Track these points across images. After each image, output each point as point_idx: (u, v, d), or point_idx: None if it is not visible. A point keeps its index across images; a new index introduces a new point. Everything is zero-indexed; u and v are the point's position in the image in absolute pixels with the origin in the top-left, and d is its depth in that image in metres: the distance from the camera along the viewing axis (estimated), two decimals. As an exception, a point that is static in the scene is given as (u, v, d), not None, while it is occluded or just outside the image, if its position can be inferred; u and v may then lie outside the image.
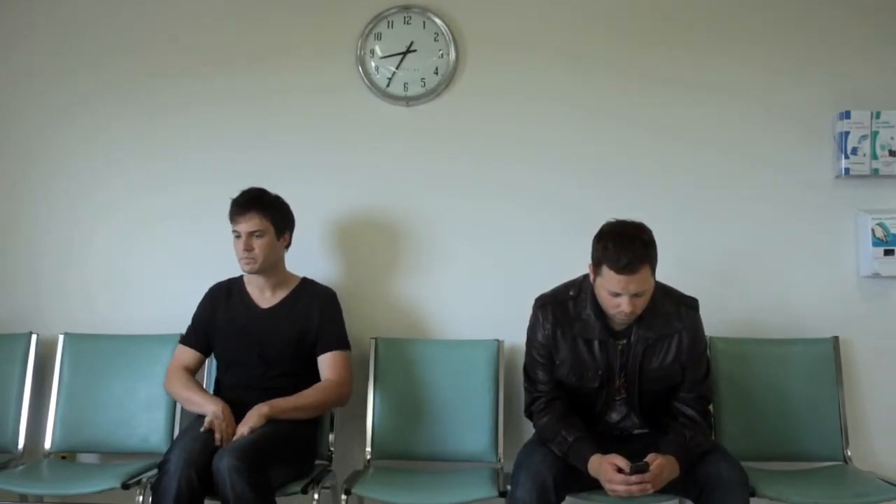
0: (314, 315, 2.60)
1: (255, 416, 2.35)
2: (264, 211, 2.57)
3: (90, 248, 2.99)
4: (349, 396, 2.60)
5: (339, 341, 2.61)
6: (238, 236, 2.56)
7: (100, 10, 3.00)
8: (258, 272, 2.59)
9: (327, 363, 2.57)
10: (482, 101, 2.91)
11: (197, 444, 2.28)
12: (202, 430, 2.31)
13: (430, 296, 2.92)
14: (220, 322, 2.62)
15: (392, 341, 2.82)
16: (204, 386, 2.66)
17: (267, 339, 2.57)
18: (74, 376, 2.80)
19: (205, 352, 2.64)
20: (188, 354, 2.62)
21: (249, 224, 2.54)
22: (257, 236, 2.55)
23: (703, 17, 2.88)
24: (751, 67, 2.86)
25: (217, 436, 2.31)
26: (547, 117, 2.89)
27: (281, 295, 2.64)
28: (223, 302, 2.65)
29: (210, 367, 2.73)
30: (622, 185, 2.87)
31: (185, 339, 2.65)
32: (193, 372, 2.61)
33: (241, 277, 2.69)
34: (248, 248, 2.54)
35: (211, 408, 2.39)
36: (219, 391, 2.59)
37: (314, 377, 2.56)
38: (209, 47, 2.97)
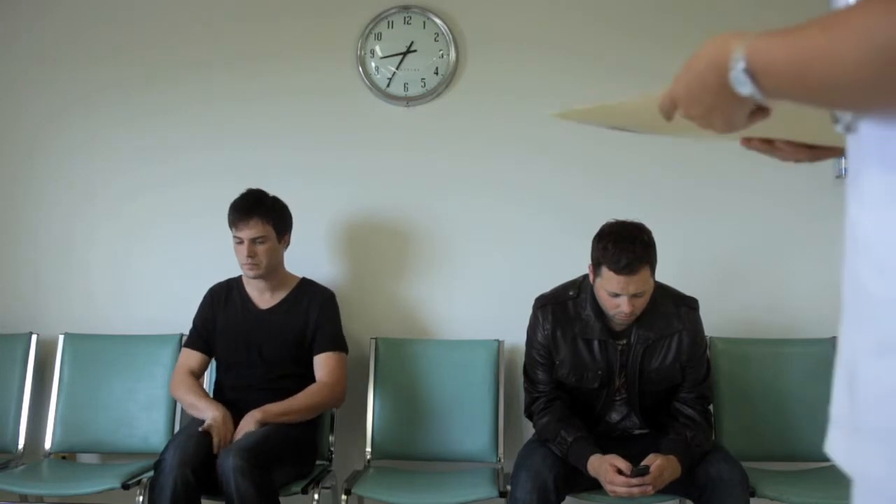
0: (312, 316, 2.59)
1: (249, 423, 2.35)
2: (266, 216, 2.55)
3: (90, 249, 2.99)
4: (342, 398, 2.59)
5: (335, 342, 2.59)
6: (240, 242, 2.54)
7: (100, 11, 3.00)
8: (261, 277, 2.58)
9: (321, 364, 2.56)
10: (482, 101, 2.91)
11: (191, 442, 2.28)
12: (200, 429, 2.31)
13: (430, 296, 2.92)
14: (221, 323, 2.62)
15: (392, 341, 2.82)
16: (205, 386, 2.65)
17: (266, 339, 2.57)
18: (74, 376, 2.80)
19: (209, 353, 2.63)
20: (193, 357, 2.61)
21: (252, 230, 2.52)
22: (260, 242, 2.53)
23: (704, 16, 2.88)
24: (751, 67, 2.86)
25: (215, 440, 2.30)
26: (547, 117, 2.88)
27: (280, 296, 2.64)
28: (223, 303, 2.65)
29: (210, 368, 2.72)
30: (622, 184, 2.87)
31: (189, 343, 2.64)
32: (199, 375, 2.61)
33: (240, 278, 2.68)
34: (252, 255, 2.52)
35: (211, 412, 2.39)
36: (219, 392, 2.59)
37: (313, 380, 2.55)
38: (209, 48, 2.97)
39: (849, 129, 0.75)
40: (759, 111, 0.81)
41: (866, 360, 0.72)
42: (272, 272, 2.60)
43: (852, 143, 0.76)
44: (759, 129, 0.88)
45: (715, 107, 0.80)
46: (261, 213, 2.54)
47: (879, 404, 0.71)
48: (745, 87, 0.74)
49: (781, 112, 0.81)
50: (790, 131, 0.91)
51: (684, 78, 0.81)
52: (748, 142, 0.95)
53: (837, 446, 0.77)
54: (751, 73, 0.73)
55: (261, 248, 2.53)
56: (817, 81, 0.68)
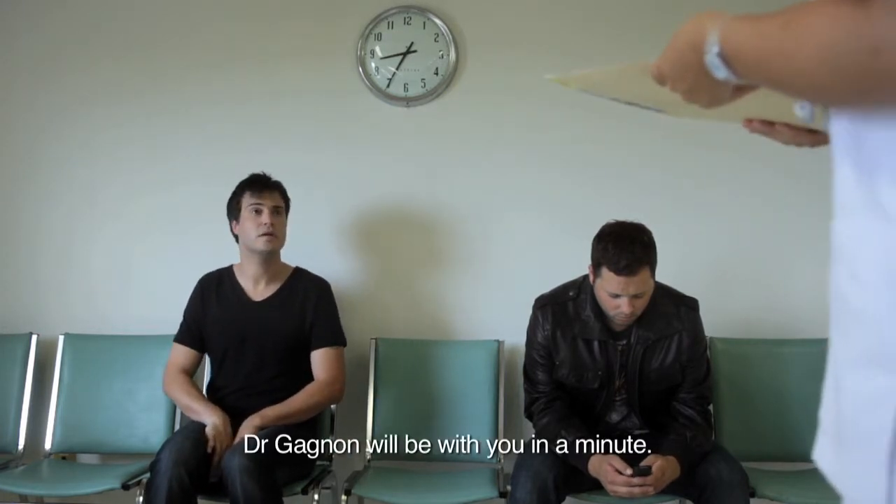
0: (308, 311, 2.57)
1: (247, 430, 2.32)
2: (283, 192, 2.60)
3: (91, 249, 2.99)
4: (341, 394, 2.58)
5: (332, 336, 2.58)
6: (259, 212, 2.52)
7: (100, 11, 3.00)
8: (272, 252, 2.55)
9: (318, 360, 2.54)
10: (482, 101, 2.91)
11: (187, 443, 2.27)
12: (209, 450, 2.28)
13: (430, 296, 2.92)
14: (212, 316, 2.58)
15: (392, 341, 2.82)
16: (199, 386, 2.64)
17: (261, 333, 2.53)
18: (75, 377, 2.80)
19: (200, 348, 2.61)
20: (184, 354, 2.58)
21: (273, 200, 2.54)
22: (278, 213, 2.55)
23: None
24: (751, 68, 2.86)
25: (218, 448, 2.29)
26: (547, 118, 2.89)
27: (274, 287, 2.60)
28: (214, 295, 2.61)
29: (203, 368, 2.70)
30: (622, 185, 2.87)
31: (179, 338, 2.60)
32: (192, 371, 2.59)
33: (231, 268, 2.65)
34: (272, 223, 2.52)
35: (211, 419, 2.37)
36: (214, 395, 2.55)
37: (311, 377, 2.54)
38: (210, 49, 2.97)
39: (811, 118, 0.75)
40: (749, 86, 0.81)
41: (847, 370, 0.71)
42: (276, 255, 2.59)
43: (832, 145, 0.76)
44: (753, 110, 0.88)
45: (697, 84, 0.81)
46: (280, 188, 2.59)
47: (860, 415, 0.69)
48: (719, 72, 0.75)
49: (777, 95, 0.81)
50: (786, 115, 0.91)
51: (669, 55, 0.83)
52: (749, 123, 0.95)
53: (824, 455, 0.76)
54: (724, 57, 0.74)
55: (278, 220, 2.54)
56: (777, 74, 0.70)
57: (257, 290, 2.60)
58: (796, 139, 0.94)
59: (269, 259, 2.57)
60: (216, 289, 2.62)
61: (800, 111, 0.77)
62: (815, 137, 0.93)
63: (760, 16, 0.71)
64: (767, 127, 0.94)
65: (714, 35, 0.74)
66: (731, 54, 0.73)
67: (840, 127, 0.73)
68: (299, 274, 2.65)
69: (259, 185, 2.55)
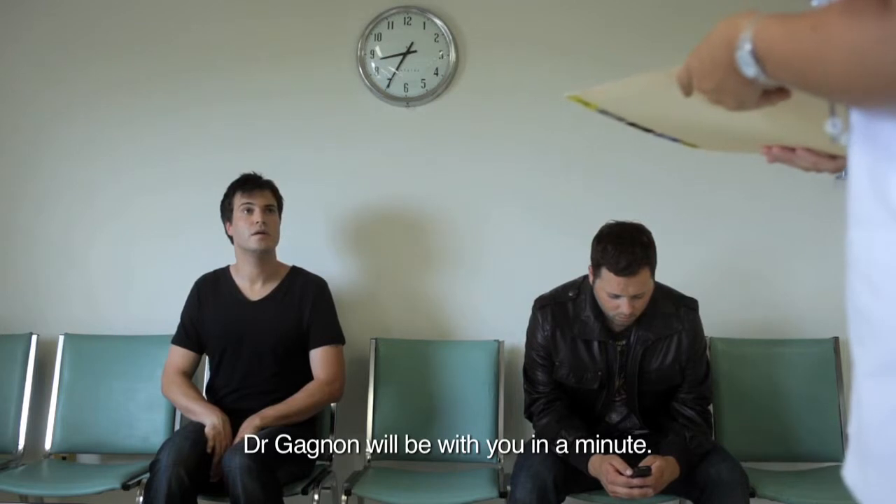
0: (306, 310, 2.56)
1: (248, 429, 2.32)
2: (275, 191, 2.59)
3: (91, 249, 2.99)
4: (341, 393, 2.58)
5: (332, 335, 2.57)
6: (250, 211, 2.51)
7: (99, 11, 3.00)
8: (265, 251, 2.54)
9: (318, 360, 2.54)
10: (482, 101, 2.91)
11: (186, 442, 2.27)
12: (209, 450, 2.29)
13: (430, 296, 2.92)
14: (209, 317, 2.58)
15: (392, 342, 2.82)
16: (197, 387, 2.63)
17: (258, 333, 2.53)
18: (75, 377, 2.80)
19: (198, 350, 2.60)
20: (182, 355, 2.57)
21: (265, 199, 2.54)
22: (270, 212, 2.54)
23: (704, 16, 2.86)
24: (751, 68, 2.85)
25: (217, 449, 2.29)
26: (547, 118, 2.89)
27: (271, 286, 2.59)
28: (210, 296, 2.60)
29: (203, 369, 2.70)
30: (622, 185, 2.87)
31: (177, 339, 2.60)
32: (190, 373, 2.58)
33: (227, 269, 2.64)
34: (264, 222, 2.51)
35: (210, 419, 2.37)
36: (211, 395, 2.56)
37: (309, 376, 2.54)
38: (209, 49, 2.97)
39: (841, 135, 0.75)
40: (778, 92, 0.80)
41: (867, 382, 0.70)
42: (271, 253, 2.58)
43: (850, 159, 0.76)
44: (774, 133, 0.87)
45: (725, 83, 0.80)
46: (271, 186, 2.59)
47: (881, 428, 0.68)
48: (749, 69, 0.75)
49: (799, 116, 0.80)
50: (809, 138, 0.90)
51: (700, 51, 0.82)
52: (769, 150, 0.94)
53: (849, 470, 0.74)
54: (756, 55, 0.74)
55: (270, 219, 2.53)
56: (807, 75, 0.70)
57: (254, 289, 2.60)
58: (818, 165, 0.92)
59: (264, 258, 2.57)
60: (213, 289, 2.62)
61: (831, 128, 0.76)
62: (836, 163, 0.92)
63: (791, 16, 0.71)
64: (787, 153, 0.93)
65: (748, 32, 0.74)
66: (762, 52, 0.73)
67: (856, 132, 0.73)
68: (296, 273, 2.64)
69: (250, 184, 2.55)
